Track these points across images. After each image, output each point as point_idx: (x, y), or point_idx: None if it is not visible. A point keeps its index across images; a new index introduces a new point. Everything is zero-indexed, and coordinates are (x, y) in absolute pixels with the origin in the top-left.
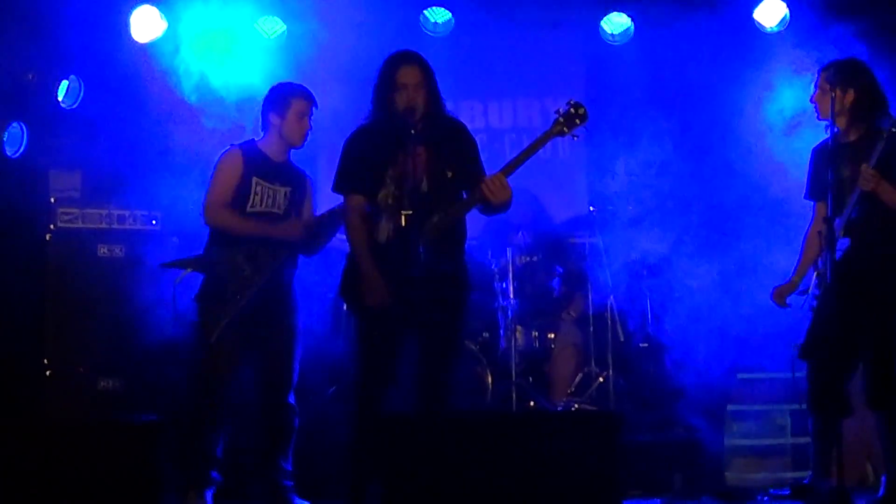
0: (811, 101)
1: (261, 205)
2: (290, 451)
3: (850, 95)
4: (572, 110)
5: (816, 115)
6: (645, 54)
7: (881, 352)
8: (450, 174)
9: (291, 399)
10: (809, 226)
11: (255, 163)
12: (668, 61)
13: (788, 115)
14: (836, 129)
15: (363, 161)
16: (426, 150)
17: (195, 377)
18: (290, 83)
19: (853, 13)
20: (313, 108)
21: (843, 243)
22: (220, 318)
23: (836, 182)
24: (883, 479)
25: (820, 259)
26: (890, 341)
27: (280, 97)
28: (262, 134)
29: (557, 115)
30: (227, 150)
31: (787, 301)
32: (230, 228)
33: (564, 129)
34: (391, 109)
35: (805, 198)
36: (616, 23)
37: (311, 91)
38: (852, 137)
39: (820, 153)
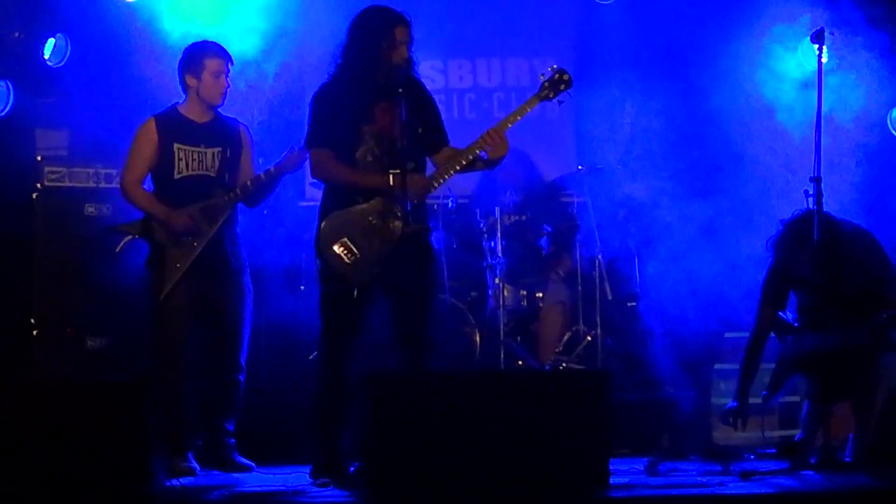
0: None
1: (187, 169)
2: (236, 412)
3: None
4: (556, 76)
5: None
6: (633, 14)
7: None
8: (420, 130)
9: (242, 360)
10: (754, 335)
11: (174, 128)
12: (656, 21)
13: (780, 72)
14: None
15: (338, 117)
16: (401, 108)
17: (151, 344)
18: (203, 42)
19: None
20: (229, 66)
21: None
22: (164, 284)
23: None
24: (850, 437)
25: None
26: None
27: (193, 58)
28: (182, 97)
29: (543, 81)
30: (142, 123)
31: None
32: (136, 203)
33: (550, 94)
34: (384, 64)
35: (760, 302)
36: None
37: (225, 48)
38: None
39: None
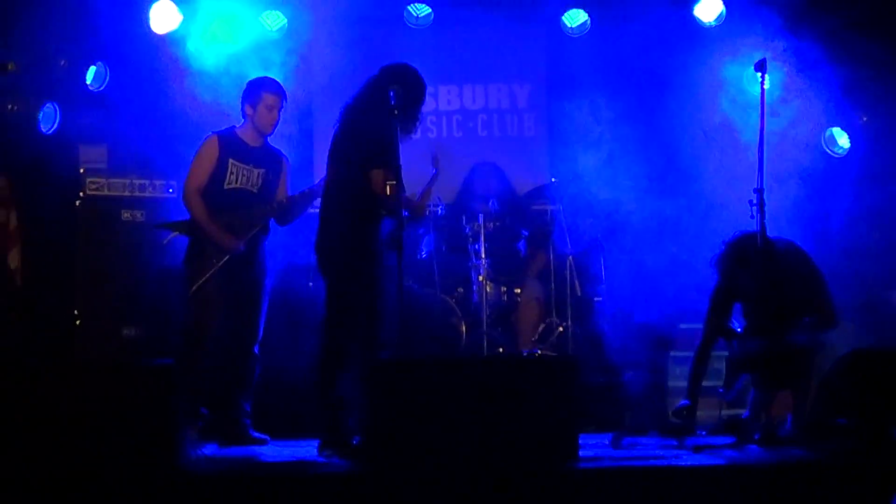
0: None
1: (236, 182)
2: (251, 394)
3: None
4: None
5: None
6: (600, 45)
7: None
8: None
9: (256, 349)
10: (697, 353)
11: (232, 147)
12: (619, 51)
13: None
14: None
15: (393, 150)
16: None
17: (182, 329)
18: (263, 78)
19: (780, 10)
20: (283, 102)
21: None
22: (199, 276)
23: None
24: (789, 417)
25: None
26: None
27: (253, 91)
28: (242, 121)
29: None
30: (206, 138)
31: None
32: (194, 214)
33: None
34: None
35: (707, 314)
36: (575, 17)
37: (282, 86)
38: None
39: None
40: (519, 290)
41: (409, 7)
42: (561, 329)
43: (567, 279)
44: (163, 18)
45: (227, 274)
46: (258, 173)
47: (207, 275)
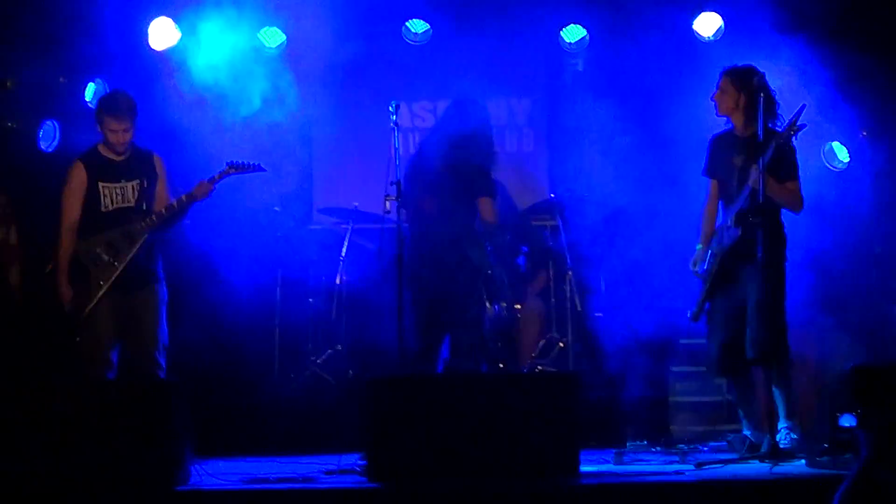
0: (712, 98)
1: (112, 204)
2: None
3: (745, 97)
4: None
5: (716, 111)
6: (599, 60)
7: (763, 313)
8: None
9: (160, 358)
10: (705, 202)
11: (98, 168)
12: (618, 65)
13: None
14: (732, 126)
15: None
16: None
17: (79, 350)
18: (107, 98)
19: (779, 25)
20: (125, 119)
21: (734, 232)
22: (89, 300)
23: (729, 170)
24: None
25: (714, 239)
26: (773, 302)
27: (97, 111)
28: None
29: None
30: (71, 166)
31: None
32: (58, 254)
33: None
34: None
35: (702, 175)
36: (574, 33)
37: (125, 101)
38: (747, 133)
39: (717, 141)
40: (519, 307)
41: (407, 23)
42: (561, 345)
43: (567, 295)
44: (161, 35)
45: (115, 292)
46: (132, 185)
47: (97, 298)
